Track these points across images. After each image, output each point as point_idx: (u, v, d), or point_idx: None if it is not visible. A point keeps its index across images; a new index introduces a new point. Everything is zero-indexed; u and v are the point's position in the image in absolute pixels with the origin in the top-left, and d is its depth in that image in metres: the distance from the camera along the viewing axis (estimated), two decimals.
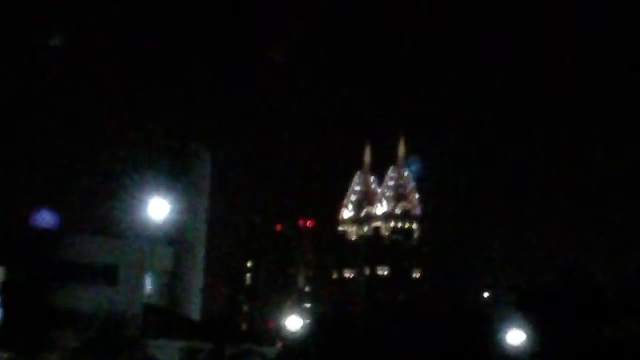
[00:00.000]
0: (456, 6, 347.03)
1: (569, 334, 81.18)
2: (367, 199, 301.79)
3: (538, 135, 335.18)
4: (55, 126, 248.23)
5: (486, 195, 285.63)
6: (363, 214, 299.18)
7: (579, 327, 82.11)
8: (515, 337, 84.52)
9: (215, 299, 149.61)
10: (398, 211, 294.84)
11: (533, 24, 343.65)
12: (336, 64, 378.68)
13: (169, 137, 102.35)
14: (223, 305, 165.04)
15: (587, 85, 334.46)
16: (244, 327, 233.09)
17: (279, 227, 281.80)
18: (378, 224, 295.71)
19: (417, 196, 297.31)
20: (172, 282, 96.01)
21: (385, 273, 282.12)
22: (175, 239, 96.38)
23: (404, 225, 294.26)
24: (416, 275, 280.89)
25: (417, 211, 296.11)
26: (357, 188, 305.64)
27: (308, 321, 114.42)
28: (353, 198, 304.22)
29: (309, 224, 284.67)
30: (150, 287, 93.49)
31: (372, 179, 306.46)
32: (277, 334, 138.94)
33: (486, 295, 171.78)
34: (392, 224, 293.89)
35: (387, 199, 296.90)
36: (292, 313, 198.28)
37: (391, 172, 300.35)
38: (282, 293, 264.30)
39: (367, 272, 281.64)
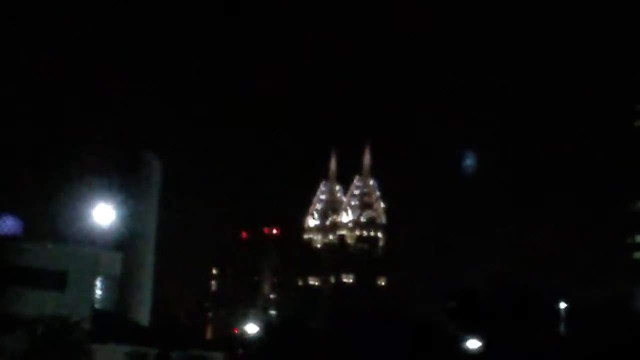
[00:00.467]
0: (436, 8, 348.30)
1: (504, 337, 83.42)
2: (332, 207, 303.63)
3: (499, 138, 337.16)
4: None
5: (449, 202, 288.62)
6: (328, 222, 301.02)
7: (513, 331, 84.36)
8: (472, 344, 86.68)
9: (167, 304, 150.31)
10: (363, 219, 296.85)
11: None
12: (303, 70, 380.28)
13: (118, 144, 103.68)
14: (174, 311, 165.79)
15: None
16: (209, 333, 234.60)
17: (244, 235, 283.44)
18: (343, 232, 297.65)
19: (381, 205, 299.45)
20: (122, 287, 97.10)
21: (351, 280, 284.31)
22: (123, 244, 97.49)
23: (369, 234, 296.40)
24: (381, 282, 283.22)
25: (382, 220, 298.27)
26: (323, 196, 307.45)
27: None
28: (318, 206, 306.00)
29: (274, 231, 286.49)
30: (100, 293, 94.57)
31: (338, 187, 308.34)
32: (239, 339, 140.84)
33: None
34: (357, 232, 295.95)
35: (352, 207, 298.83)
36: (253, 319, 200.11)
37: (356, 181, 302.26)
38: (247, 300, 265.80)
39: (333, 279, 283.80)
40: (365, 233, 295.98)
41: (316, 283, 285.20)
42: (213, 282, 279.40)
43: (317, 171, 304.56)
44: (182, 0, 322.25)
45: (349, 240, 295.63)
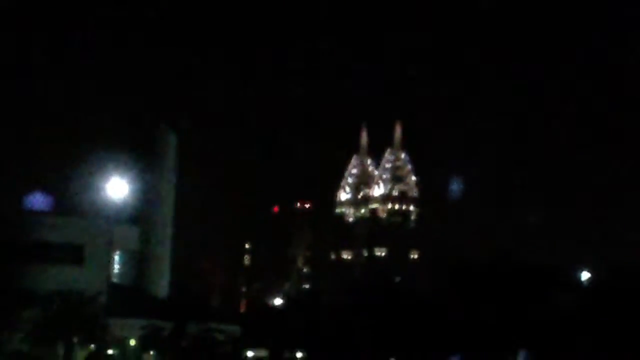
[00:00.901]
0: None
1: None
2: (364, 180, 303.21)
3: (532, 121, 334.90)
4: (17, 109, 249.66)
5: (483, 175, 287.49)
6: (360, 195, 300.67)
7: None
8: None
9: (188, 278, 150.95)
10: (395, 193, 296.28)
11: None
12: (333, 46, 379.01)
13: (134, 119, 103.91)
14: (195, 284, 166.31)
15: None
16: (242, 307, 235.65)
17: (275, 209, 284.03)
18: (375, 205, 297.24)
19: (413, 178, 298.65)
20: (140, 262, 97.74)
21: (383, 254, 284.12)
22: (141, 219, 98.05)
23: (401, 207, 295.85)
24: (413, 256, 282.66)
25: (414, 193, 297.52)
26: (354, 170, 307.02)
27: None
28: (350, 180, 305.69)
29: (306, 205, 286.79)
30: (117, 267, 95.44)
31: (369, 161, 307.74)
32: (264, 313, 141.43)
33: None
34: (389, 206, 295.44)
35: (384, 181, 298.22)
36: (282, 294, 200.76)
37: (388, 155, 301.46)
38: (280, 274, 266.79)
39: (365, 253, 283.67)
40: (397, 206, 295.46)
41: (349, 257, 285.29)
42: (246, 257, 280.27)
43: (349, 145, 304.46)
44: None
45: (381, 214, 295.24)
